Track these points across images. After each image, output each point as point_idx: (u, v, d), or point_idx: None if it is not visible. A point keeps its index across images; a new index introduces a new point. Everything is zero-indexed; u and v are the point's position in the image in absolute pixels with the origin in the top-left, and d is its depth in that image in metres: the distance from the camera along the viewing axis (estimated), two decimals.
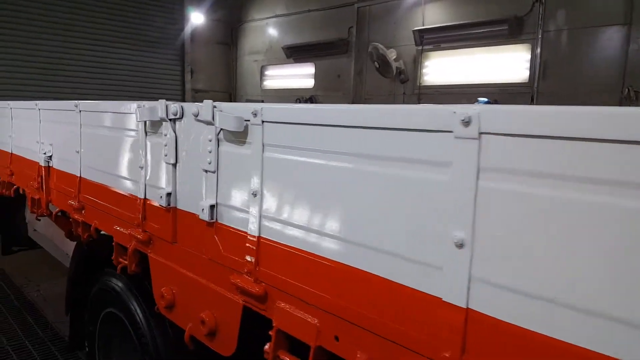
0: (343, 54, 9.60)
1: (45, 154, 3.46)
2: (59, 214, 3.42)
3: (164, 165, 2.11)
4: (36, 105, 3.60)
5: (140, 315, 2.57)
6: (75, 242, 3.95)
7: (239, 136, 1.69)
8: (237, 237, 1.73)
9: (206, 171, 1.86)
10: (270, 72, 11.50)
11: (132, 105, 2.28)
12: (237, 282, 1.68)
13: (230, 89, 12.47)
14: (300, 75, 10.76)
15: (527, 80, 7.23)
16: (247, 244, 1.67)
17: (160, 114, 2.04)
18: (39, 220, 4.59)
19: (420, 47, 8.25)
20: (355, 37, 9.31)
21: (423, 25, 8.19)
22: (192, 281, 1.96)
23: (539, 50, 6.98)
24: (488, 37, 7.51)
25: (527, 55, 7.26)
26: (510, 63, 7.47)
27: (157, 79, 11.05)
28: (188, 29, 11.30)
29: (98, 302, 3.06)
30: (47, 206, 3.50)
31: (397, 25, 8.67)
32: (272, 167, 1.59)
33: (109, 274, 2.94)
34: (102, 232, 2.78)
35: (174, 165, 2.05)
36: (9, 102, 4.31)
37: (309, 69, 10.48)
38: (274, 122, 1.56)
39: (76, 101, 2.92)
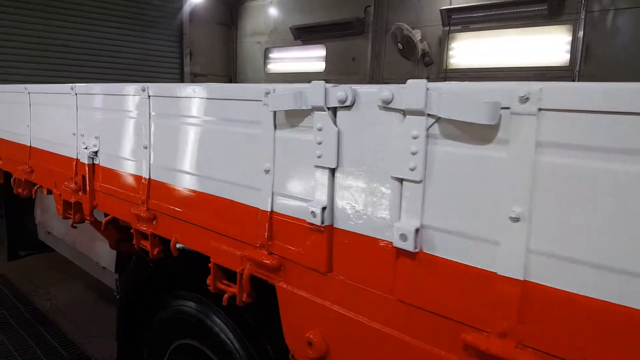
0: (358, 35, 9.04)
1: (87, 148, 2.86)
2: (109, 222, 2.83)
3: (309, 169, 1.58)
4: (72, 89, 2.98)
5: (243, 356, 2.06)
6: (114, 250, 3.41)
7: (482, 131, 1.17)
8: (467, 277, 1.23)
9: (402, 180, 1.34)
10: (275, 54, 10.85)
11: (256, 89, 1.73)
12: (483, 346, 1.18)
13: (229, 73, 11.77)
14: (309, 58, 10.16)
15: (567, 64, 6.83)
16: (495, 291, 1.17)
17: (314, 101, 1.51)
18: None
19: (447, 28, 7.76)
20: (373, 17, 8.76)
21: (451, 5, 7.69)
22: (369, 331, 1.45)
23: (581, 32, 6.58)
24: (524, 18, 7.06)
25: (567, 37, 6.85)
26: (548, 45, 7.05)
27: (154, 61, 10.29)
28: (187, 8, 10.53)
29: (168, 331, 2.53)
30: (92, 212, 2.91)
31: (420, 5, 8.14)
32: (551, 180, 1.09)
33: (184, 298, 2.41)
34: (181, 247, 2.24)
35: (333, 170, 1.52)
36: (27, 85, 3.65)
37: (319, 51, 9.89)
38: (558, 110, 1.06)
39: (143, 84, 2.33)
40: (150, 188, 2.34)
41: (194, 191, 2.10)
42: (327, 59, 9.70)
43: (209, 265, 1.99)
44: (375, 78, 8.83)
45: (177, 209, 2.19)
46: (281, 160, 1.69)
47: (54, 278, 5.59)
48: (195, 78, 11.00)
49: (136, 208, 2.41)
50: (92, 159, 2.83)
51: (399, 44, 7.90)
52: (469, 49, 7.74)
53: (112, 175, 2.68)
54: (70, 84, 3.03)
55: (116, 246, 3.10)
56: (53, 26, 8.72)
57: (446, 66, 7.86)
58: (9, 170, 4.20)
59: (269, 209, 1.74)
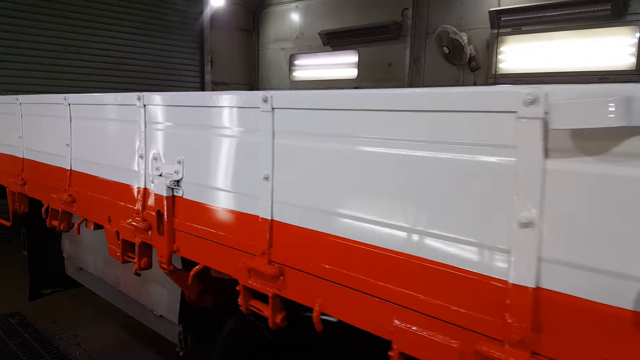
0: (395, 40, 8.48)
1: (162, 175, 2.26)
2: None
3: None
4: (139, 98, 2.38)
5: None
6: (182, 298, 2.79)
7: None
8: None
9: None
10: (301, 61, 10.28)
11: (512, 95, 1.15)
12: None
13: (251, 81, 11.19)
14: (339, 65, 9.59)
15: (634, 67, 6.27)
16: None
17: None
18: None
19: (495, 30, 7.19)
20: (411, 20, 8.20)
21: (500, 6, 7.14)
22: None
23: None
24: (583, 19, 6.51)
25: (632, 39, 6.29)
26: (611, 47, 6.48)
27: (174, 69, 9.70)
28: (207, 13, 9.97)
29: None
30: (170, 259, 2.30)
31: (465, 6, 7.59)
32: None
33: None
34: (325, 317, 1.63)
35: None
36: (66, 95, 3.05)
37: (351, 57, 9.32)
38: None
39: (263, 92, 1.74)
40: (274, 232, 1.74)
41: (358, 243, 1.49)
42: (360, 65, 9.13)
43: None
44: (414, 84, 8.25)
45: (325, 265, 1.58)
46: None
47: (81, 317, 4.92)
48: (216, 87, 10.41)
49: (250, 260, 1.81)
50: (172, 189, 2.22)
51: (444, 48, 7.34)
52: (520, 53, 7.18)
53: (205, 212, 2.08)
54: (136, 93, 2.42)
55: (198, 300, 2.48)
56: (66, 32, 8.14)
57: (495, 71, 7.29)
58: (39, 198, 3.59)
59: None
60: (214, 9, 10.05)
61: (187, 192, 2.19)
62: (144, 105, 2.37)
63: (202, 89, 10.21)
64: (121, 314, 4.20)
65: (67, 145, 3.03)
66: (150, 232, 2.39)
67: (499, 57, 7.28)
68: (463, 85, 7.58)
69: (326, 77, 9.79)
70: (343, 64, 9.52)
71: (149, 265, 2.54)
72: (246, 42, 10.98)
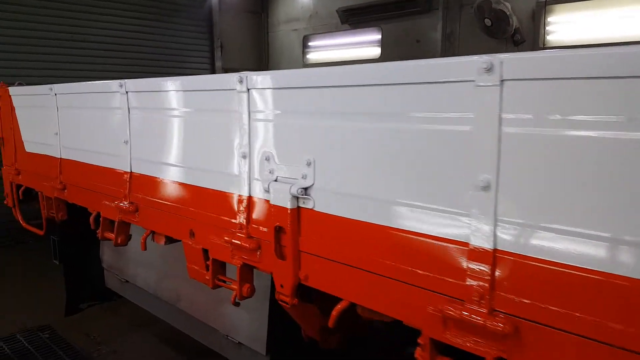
0: (424, 13, 7.87)
1: (277, 180, 1.69)
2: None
3: None
4: (241, 81, 1.80)
5: None
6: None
7: None
8: None
9: None
10: (316, 42, 9.63)
11: None
12: None
13: (262, 66, 10.52)
14: (359, 44, 8.96)
15: None
16: None
17: None
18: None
19: (543, 0, 6.62)
20: None
21: None
22: None
23: None
24: None
25: None
26: None
27: (183, 55, 9.01)
28: None
29: None
30: (295, 290, 1.74)
31: None
32: None
33: None
34: None
35: None
36: (125, 81, 2.45)
37: (372, 35, 8.70)
38: None
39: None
40: (498, 266, 1.19)
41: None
42: (384, 44, 8.52)
43: None
44: None
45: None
46: None
47: (118, 329, 4.35)
48: (227, 73, 9.74)
49: (452, 306, 1.25)
50: (297, 199, 1.66)
51: (485, 20, 6.76)
52: (571, 23, 6.61)
53: (351, 231, 1.51)
54: (237, 74, 1.84)
55: (321, 339, 1.93)
56: (71, 18, 7.41)
57: (543, 44, 6.73)
58: (85, 204, 3.02)
59: None
60: None
61: (320, 202, 1.63)
62: (248, 90, 1.79)
63: None
64: (163, 326, 3.68)
65: (125, 142, 2.44)
66: (259, 253, 1.84)
67: (547, 28, 6.72)
68: None
69: (345, 58, 9.16)
70: (364, 43, 8.90)
71: (252, 293, 1.99)
72: (255, 25, 10.28)
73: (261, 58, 10.48)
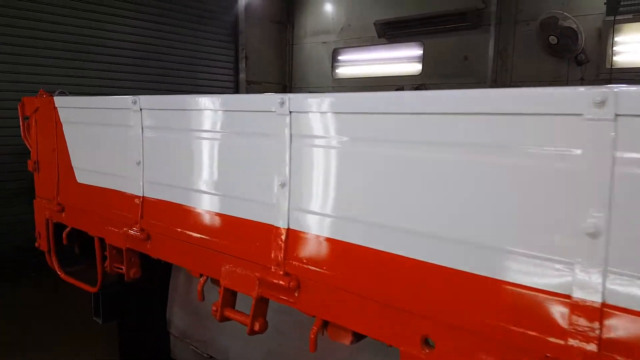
0: (473, 29, 7.39)
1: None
2: None
3: None
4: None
5: None
6: None
7: None
8: None
9: None
10: (347, 56, 9.08)
11: None
12: None
13: (283, 80, 9.90)
14: (396, 59, 8.45)
15: None
16: None
17: None
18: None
19: (611, 17, 6.19)
20: (496, 6, 7.13)
21: None
22: None
23: None
24: None
25: None
26: None
27: (207, 66, 8.36)
28: (242, 2, 8.65)
29: None
30: None
31: None
32: None
33: None
34: None
35: None
36: (278, 96, 1.84)
37: (412, 50, 8.19)
38: None
39: None
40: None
41: None
42: (426, 59, 8.00)
43: None
44: (500, 80, 7.19)
45: None
46: None
47: None
48: (250, 87, 9.10)
49: None
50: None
51: (551, 38, 6.28)
52: None
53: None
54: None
55: None
56: (89, 27, 6.69)
57: (610, 65, 6.28)
58: (189, 265, 2.35)
59: None
60: None
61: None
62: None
63: (236, 89, 8.90)
64: None
65: (283, 185, 1.81)
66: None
67: (614, 48, 6.28)
68: (568, 81, 6.55)
69: (380, 74, 8.62)
70: (402, 58, 8.38)
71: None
72: (279, 36, 9.69)
73: (284, 71, 9.86)
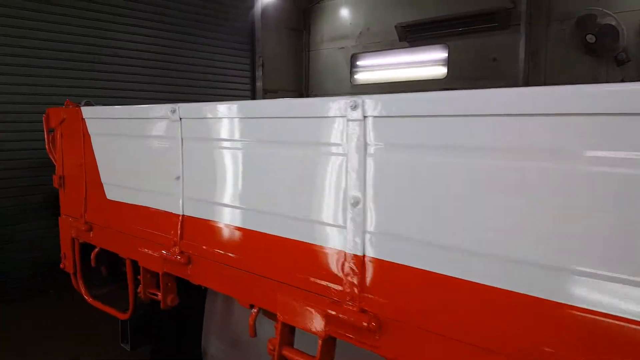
0: (503, 30, 7.08)
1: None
2: None
3: None
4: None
5: None
6: None
7: None
8: None
9: None
10: (366, 61, 8.80)
11: None
12: None
13: (300, 87, 9.63)
14: (419, 63, 8.15)
15: None
16: None
17: None
18: None
19: None
20: (526, 5, 6.82)
21: None
22: None
23: None
24: None
25: None
26: None
27: (223, 74, 8.08)
28: (258, 8, 8.41)
29: None
30: None
31: None
32: None
33: None
34: None
35: None
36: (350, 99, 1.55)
37: (436, 53, 7.89)
38: None
39: None
40: None
41: None
42: (451, 62, 7.69)
43: None
44: (532, 83, 6.85)
45: None
46: None
47: None
48: (266, 95, 8.82)
49: None
50: None
51: (588, 36, 5.95)
52: None
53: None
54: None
55: None
56: (102, 30, 6.45)
57: None
58: (232, 292, 2.02)
59: None
60: (265, 3, 8.49)
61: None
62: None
63: (253, 98, 8.62)
64: None
65: (355, 205, 1.51)
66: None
67: None
68: (607, 82, 6.21)
69: (401, 78, 8.32)
70: (426, 62, 8.08)
71: None
72: (295, 43, 9.43)
73: (301, 78, 9.59)
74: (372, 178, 1.57)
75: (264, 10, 8.58)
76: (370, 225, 1.58)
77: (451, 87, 7.63)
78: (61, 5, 5.96)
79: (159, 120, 2.29)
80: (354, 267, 1.61)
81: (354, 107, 1.57)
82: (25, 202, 5.79)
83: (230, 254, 2.05)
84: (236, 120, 2.00)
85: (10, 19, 5.52)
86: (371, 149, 1.57)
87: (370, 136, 1.56)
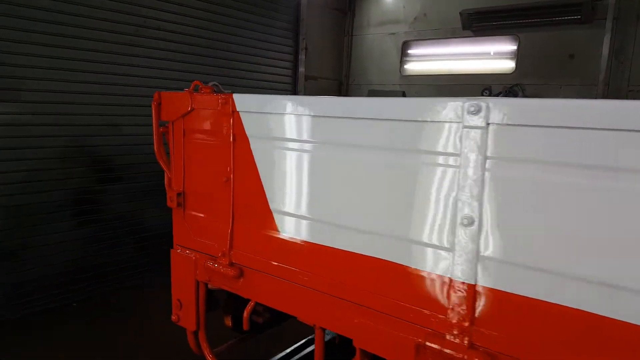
0: (583, 24, 6.43)
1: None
2: None
3: None
4: None
5: None
6: None
7: None
8: None
9: None
10: (420, 49, 8.10)
11: None
12: None
13: (340, 76, 8.90)
14: (483, 54, 7.48)
15: None
16: None
17: None
18: None
19: None
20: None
21: None
22: None
23: None
24: None
25: None
26: None
27: (266, 57, 7.32)
28: None
29: None
30: None
31: None
32: None
33: None
34: None
35: None
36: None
37: (503, 45, 7.23)
38: None
39: None
40: None
41: None
42: (521, 56, 7.03)
43: None
44: (613, 84, 6.24)
45: None
46: None
47: None
48: (307, 82, 8.10)
49: None
50: None
51: None
52: None
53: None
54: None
55: None
56: (142, 7, 5.66)
57: None
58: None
59: None
60: None
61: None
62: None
63: (294, 85, 7.89)
64: None
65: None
66: None
67: None
68: None
69: (459, 71, 7.65)
70: (489, 54, 7.42)
71: None
72: (337, 26, 8.68)
73: (341, 65, 8.86)
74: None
75: None
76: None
77: (520, 84, 7.00)
78: None
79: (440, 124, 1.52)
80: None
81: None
82: (47, 199, 4.96)
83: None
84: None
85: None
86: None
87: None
